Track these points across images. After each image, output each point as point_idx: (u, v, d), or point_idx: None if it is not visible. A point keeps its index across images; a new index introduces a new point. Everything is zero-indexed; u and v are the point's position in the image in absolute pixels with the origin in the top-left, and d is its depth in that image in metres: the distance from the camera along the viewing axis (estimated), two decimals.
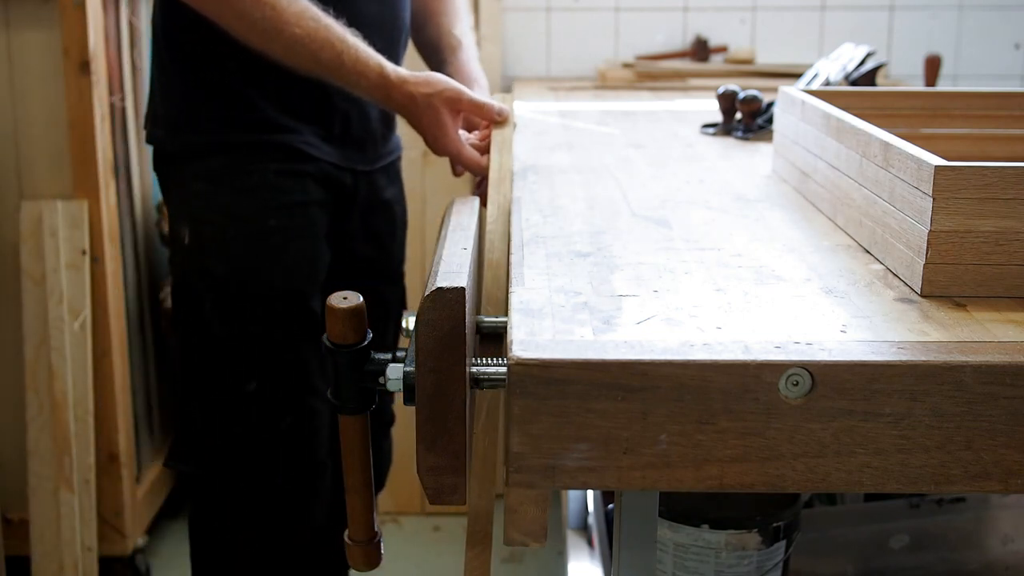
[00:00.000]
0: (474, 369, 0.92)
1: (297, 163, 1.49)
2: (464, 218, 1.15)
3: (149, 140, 1.59)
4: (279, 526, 1.57)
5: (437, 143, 1.41)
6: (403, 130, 1.63)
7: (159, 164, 1.58)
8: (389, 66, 1.39)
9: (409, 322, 1.09)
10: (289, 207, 1.48)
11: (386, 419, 1.86)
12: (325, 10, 1.41)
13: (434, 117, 1.38)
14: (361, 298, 1.04)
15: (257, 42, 1.36)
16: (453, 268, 0.95)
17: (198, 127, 1.51)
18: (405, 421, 2.55)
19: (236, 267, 1.50)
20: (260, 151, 1.45)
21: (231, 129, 1.49)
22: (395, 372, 0.98)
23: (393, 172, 1.68)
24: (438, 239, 1.12)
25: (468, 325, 0.91)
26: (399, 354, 1.02)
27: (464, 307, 0.89)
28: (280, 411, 1.52)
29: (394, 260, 1.72)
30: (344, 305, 1.01)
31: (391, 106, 1.42)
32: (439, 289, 0.88)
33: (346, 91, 1.46)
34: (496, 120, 1.43)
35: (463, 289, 0.89)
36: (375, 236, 1.66)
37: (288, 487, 1.56)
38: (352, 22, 1.44)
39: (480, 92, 1.54)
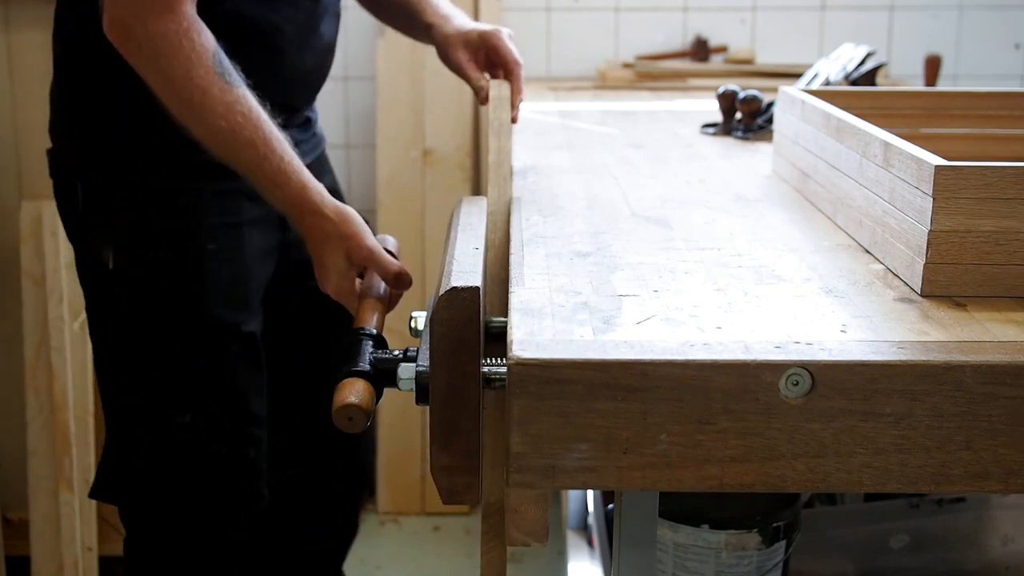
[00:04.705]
0: (486, 369, 0.92)
1: (229, 182, 1.35)
2: (473, 218, 1.15)
3: (55, 152, 1.44)
4: (218, 563, 1.53)
5: (326, 282, 1.29)
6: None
7: (65, 175, 1.44)
8: (313, 186, 1.28)
9: (418, 321, 1.09)
10: (225, 228, 1.41)
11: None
12: (267, 65, 1.36)
13: (333, 257, 1.28)
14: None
15: (182, 120, 1.27)
16: (466, 268, 0.94)
17: (120, 143, 1.37)
18: (403, 421, 2.55)
19: (169, 294, 1.40)
20: (192, 170, 1.36)
21: (164, 147, 1.37)
22: (407, 372, 0.97)
23: (319, 167, 1.58)
24: (447, 239, 1.11)
25: (480, 325, 0.91)
26: (409, 352, 1.02)
27: (479, 306, 0.89)
28: (216, 442, 1.43)
29: None
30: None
31: (298, 227, 1.30)
32: (454, 288, 0.88)
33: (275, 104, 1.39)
34: (393, 285, 1.31)
35: (477, 288, 0.88)
36: None
37: (225, 522, 1.49)
38: (289, 73, 1.42)
39: (463, 21, 1.54)
